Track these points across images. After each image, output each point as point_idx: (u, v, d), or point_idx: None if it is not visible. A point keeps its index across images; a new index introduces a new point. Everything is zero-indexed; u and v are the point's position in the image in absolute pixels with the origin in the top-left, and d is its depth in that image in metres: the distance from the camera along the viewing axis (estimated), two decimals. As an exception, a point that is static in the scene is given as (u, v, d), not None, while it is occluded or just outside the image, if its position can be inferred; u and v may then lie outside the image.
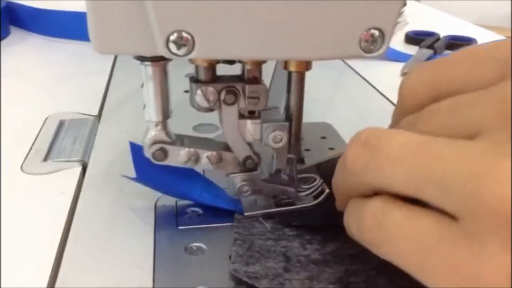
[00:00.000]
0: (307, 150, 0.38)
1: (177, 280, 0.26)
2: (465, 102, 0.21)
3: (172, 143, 0.29)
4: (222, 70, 0.29)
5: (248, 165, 0.30)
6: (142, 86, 0.28)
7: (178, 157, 0.29)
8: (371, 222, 0.21)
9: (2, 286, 0.25)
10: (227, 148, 0.30)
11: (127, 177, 0.30)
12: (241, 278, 0.25)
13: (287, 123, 0.29)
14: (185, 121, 0.42)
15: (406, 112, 0.25)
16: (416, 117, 0.23)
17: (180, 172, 0.30)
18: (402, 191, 0.20)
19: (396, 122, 0.26)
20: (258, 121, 0.29)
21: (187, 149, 0.29)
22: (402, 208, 0.20)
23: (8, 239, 0.29)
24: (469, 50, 0.23)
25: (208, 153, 0.29)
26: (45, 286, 0.26)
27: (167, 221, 0.30)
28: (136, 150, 0.30)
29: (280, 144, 0.29)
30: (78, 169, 0.36)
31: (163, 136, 0.29)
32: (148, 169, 0.30)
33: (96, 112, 0.47)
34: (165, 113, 0.28)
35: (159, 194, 0.32)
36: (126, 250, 0.28)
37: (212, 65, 0.28)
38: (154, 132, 0.28)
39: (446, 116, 0.21)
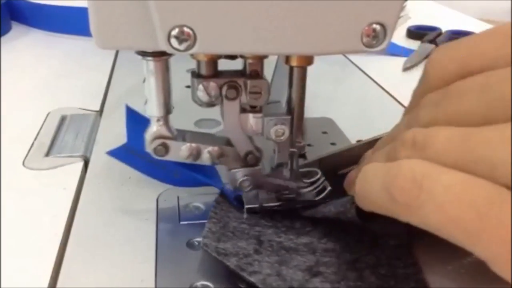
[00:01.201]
0: (309, 145, 0.38)
1: (179, 274, 0.26)
2: (498, 79, 0.20)
3: (174, 138, 0.29)
4: (224, 65, 0.29)
5: (250, 160, 0.30)
6: (144, 81, 0.28)
7: (180, 152, 0.29)
8: (408, 184, 0.20)
9: (2, 285, 0.25)
10: (229, 143, 0.30)
11: (111, 153, 0.30)
12: (211, 253, 0.25)
13: (289, 117, 0.29)
14: (186, 116, 0.42)
15: (430, 89, 0.24)
16: (441, 95, 0.23)
17: None
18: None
19: (417, 101, 0.25)
20: (259, 115, 0.29)
21: (188, 144, 0.29)
22: (449, 172, 0.20)
23: (10, 234, 0.29)
24: (499, 27, 0.23)
25: (210, 148, 0.29)
26: (47, 280, 0.26)
27: (169, 216, 0.31)
28: (131, 115, 0.29)
29: (282, 138, 0.29)
30: (80, 164, 0.36)
31: (164, 131, 0.28)
32: (138, 137, 0.29)
33: (97, 108, 0.47)
34: (167, 108, 0.28)
35: (161, 189, 0.32)
36: (128, 245, 0.28)
37: (213, 60, 0.28)
38: (155, 127, 0.28)
39: (478, 95, 0.21)
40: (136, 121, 0.29)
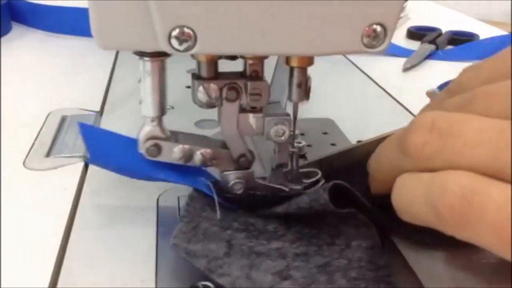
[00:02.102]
0: (309, 145, 0.38)
1: (179, 275, 0.26)
2: None
3: (167, 139, 0.29)
4: (224, 66, 0.29)
5: (242, 163, 0.30)
6: (139, 81, 0.28)
7: (172, 153, 0.29)
8: (457, 201, 0.19)
9: (2, 285, 0.25)
10: (222, 146, 0.30)
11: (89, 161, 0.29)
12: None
13: (289, 117, 0.29)
14: (187, 116, 0.42)
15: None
16: (465, 99, 0.22)
17: (134, 148, 0.29)
18: (485, 172, 0.19)
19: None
20: (260, 115, 0.29)
21: (181, 145, 0.29)
22: (499, 186, 0.19)
23: (10, 235, 0.29)
24: None
25: (202, 150, 0.29)
26: (48, 281, 0.26)
27: (169, 217, 0.31)
28: (87, 132, 0.29)
29: (282, 138, 0.29)
30: (81, 164, 0.36)
31: (158, 132, 0.28)
32: (102, 151, 0.29)
33: (98, 108, 0.47)
34: (162, 109, 0.28)
35: (161, 189, 0.32)
36: (129, 245, 0.28)
37: (214, 62, 0.28)
38: (149, 128, 0.28)
39: (506, 98, 0.20)
40: (94, 137, 0.29)
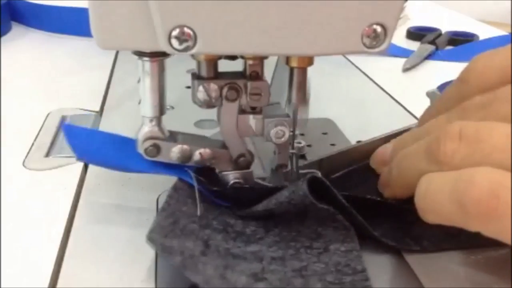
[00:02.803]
0: (309, 146, 0.38)
1: (179, 275, 0.26)
2: None
3: (166, 139, 0.29)
4: (225, 66, 0.29)
5: (241, 163, 0.30)
6: (138, 81, 0.28)
7: (171, 153, 0.29)
8: (484, 195, 0.20)
9: (2, 285, 0.25)
10: (221, 146, 0.30)
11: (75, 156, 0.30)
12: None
13: (289, 118, 0.29)
14: (187, 116, 0.42)
15: (470, 95, 0.24)
16: (489, 98, 0.23)
17: (116, 144, 0.30)
18: None
19: (452, 103, 0.26)
20: (260, 116, 0.29)
21: (180, 145, 0.29)
22: None
23: (10, 235, 0.29)
24: None
25: (201, 150, 0.29)
26: (48, 281, 0.26)
27: (169, 217, 0.30)
28: (69, 131, 0.29)
29: (282, 140, 0.29)
30: (80, 164, 0.36)
31: (156, 132, 0.28)
32: (84, 147, 0.29)
33: (97, 108, 0.47)
34: (161, 109, 0.28)
35: (161, 189, 0.32)
36: (128, 245, 0.28)
37: (214, 62, 0.28)
38: (148, 128, 0.28)
39: None
40: (76, 136, 0.29)
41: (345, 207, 0.27)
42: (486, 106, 0.23)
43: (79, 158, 0.30)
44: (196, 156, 0.29)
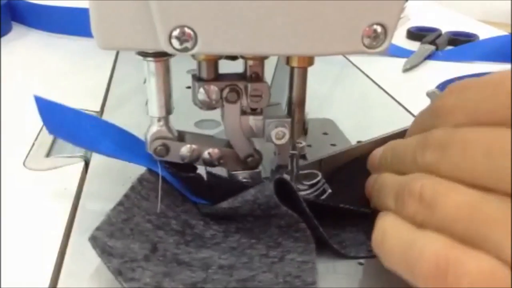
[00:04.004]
0: (309, 146, 0.38)
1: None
2: (502, 146, 0.20)
3: (174, 139, 0.29)
4: (225, 66, 0.29)
5: (250, 163, 0.30)
6: (144, 82, 0.28)
7: (180, 153, 0.29)
8: (432, 271, 0.20)
9: (2, 285, 0.25)
10: (229, 145, 0.30)
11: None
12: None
13: (289, 119, 0.29)
14: (187, 117, 0.42)
15: (438, 126, 0.24)
16: (447, 138, 0.22)
17: (88, 123, 0.29)
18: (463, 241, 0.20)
19: (423, 126, 0.26)
20: (260, 117, 0.29)
21: (189, 145, 0.29)
22: (476, 256, 0.19)
23: (10, 235, 0.29)
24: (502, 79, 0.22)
25: (210, 150, 0.29)
26: (48, 281, 0.26)
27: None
28: (42, 104, 0.29)
29: (283, 141, 0.29)
30: (81, 164, 0.36)
31: (165, 132, 0.29)
32: (57, 122, 0.29)
33: (98, 108, 0.47)
34: (168, 109, 0.28)
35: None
36: (129, 245, 0.28)
37: (214, 63, 0.28)
38: (156, 128, 0.28)
39: (481, 157, 0.20)
40: (48, 110, 0.28)
41: (308, 216, 0.26)
42: (443, 148, 0.22)
43: (50, 133, 0.29)
44: (205, 156, 0.29)
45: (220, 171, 0.30)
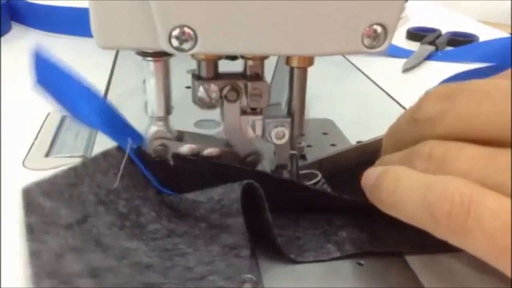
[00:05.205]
0: (309, 146, 0.38)
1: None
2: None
3: (174, 139, 0.29)
4: (225, 66, 0.29)
5: (249, 162, 0.30)
6: (144, 82, 0.28)
7: (179, 153, 0.29)
8: (455, 208, 0.20)
9: (2, 285, 0.25)
10: (228, 145, 0.30)
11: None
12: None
13: (289, 119, 0.29)
14: (186, 117, 0.42)
15: (420, 138, 0.24)
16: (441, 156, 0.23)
17: (75, 89, 0.29)
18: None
19: (402, 142, 0.26)
20: (260, 117, 0.29)
21: (188, 145, 0.29)
22: (495, 197, 0.20)
23: (10, 235, 0.29)
24: (494, 90, 0.22)
25: (210, 149, 0.29)
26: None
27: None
28: (38, 59, 0.29)
29: (282, 141, 0.29)
30: (80, 164, 0.36)
31: (164, 132, 0.29)
32: (47, 77, 0.29)
33: (97, 108, 0.47)
34: (167, 109, 0.28)
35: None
36: (128, 245, 0.28)
37: (214, 62, 0.28)
38: (156, 128, 0.28)
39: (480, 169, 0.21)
40: (42, 65, 0.28)
41: (270, 224, 0.25)
42: (440, 163, 0.22)
43: (37, 83, 0.28)
44: (205, 155, 0.29)
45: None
